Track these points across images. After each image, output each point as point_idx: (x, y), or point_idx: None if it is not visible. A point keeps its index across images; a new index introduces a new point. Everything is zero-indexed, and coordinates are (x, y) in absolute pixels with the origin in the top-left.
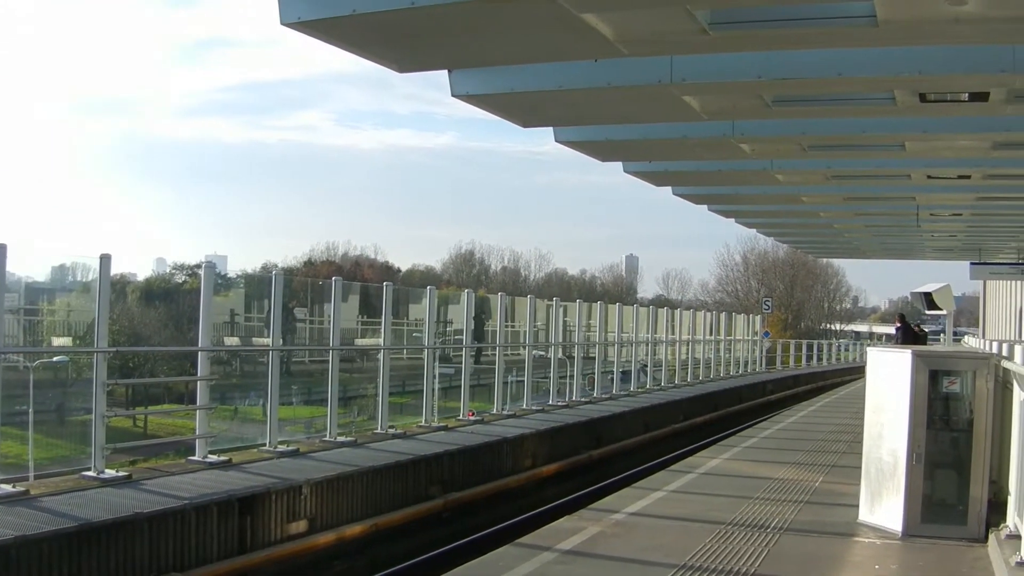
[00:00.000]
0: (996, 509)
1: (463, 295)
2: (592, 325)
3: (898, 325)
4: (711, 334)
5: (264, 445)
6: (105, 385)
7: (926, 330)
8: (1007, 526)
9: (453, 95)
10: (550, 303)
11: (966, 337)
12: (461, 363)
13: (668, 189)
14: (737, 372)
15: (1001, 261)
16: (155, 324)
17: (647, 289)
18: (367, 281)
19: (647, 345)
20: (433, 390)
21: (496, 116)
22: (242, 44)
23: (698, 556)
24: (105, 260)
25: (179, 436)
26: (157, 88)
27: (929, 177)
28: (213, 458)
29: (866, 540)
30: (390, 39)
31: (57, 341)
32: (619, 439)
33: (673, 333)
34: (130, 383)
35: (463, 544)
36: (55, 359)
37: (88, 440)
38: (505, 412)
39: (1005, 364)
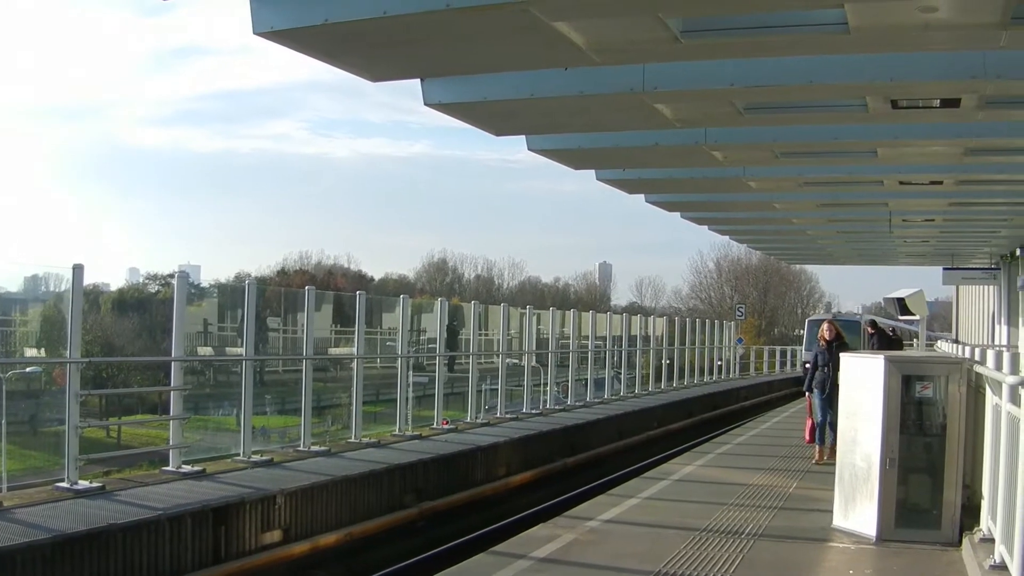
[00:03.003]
0: (970, 513)
1: (436, 304)
2: (566, 333)
3: (871, 332)
4: (685, 341)
5: (238, 455)
6: (78, 396)
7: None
8: (981, 530)
9: (425, 104)
10: (523, 311)
11: (939, 342)
12: (435, 372)
13: (641, 197)
14: (711, 379)
15: (973, 266)
16: (128, 334)
17: (620, 296)
18: (340, 290)
19: (621, 352)
20: (407, 399)
21: (469, 125)
22: (214, 53)
23: (673, 563)
24: (78, 270)
25: (153, 447)
26: (128, 96)
27: (901, 183)
28: (187, 468)
29: (840, 545)
30: (362, 48)
31: (29, 352)
32: (593, 447)
33: (647, 340)
34: (103, 393)
35: (438, 552)
36: (28, 370)
37: (61, 451)
38: (479, 420)
39: (978, 369)
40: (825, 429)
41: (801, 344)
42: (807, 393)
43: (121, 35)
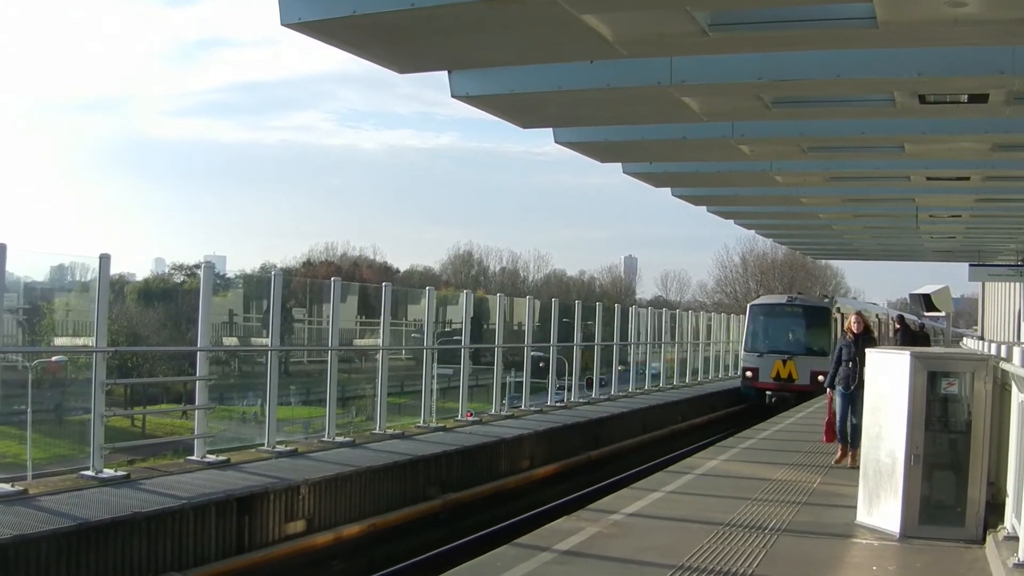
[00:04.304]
0: (994, 511)
1: (462, 296)
2: (591, 326)
3: (897, 327)
4: (710, 335)
5: (262, 445)
6: (104, 385)
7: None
8: (1005, 528)
9: (453, 96)
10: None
11: (964, 339)
12: (460, 364)
13: (667, 190)
14: (736, 374)
15: (1000, 263)
16: (154, 324)
17: (646, 290)
18: (366, 281)
19: (646, 346)
20: (432, 390)
21: (496, 117)
22: (241, 44)
23: (696, 557)
24: (104, 260)
25: (177, 436)
26: (155, 88)
27: (928, 179)
28: (211, 458)
29: (864, 541)
30: (390, 40)
31: (56, 341)
32: (617, 440)
33: (672, 334)
34: (129, 383)
35: (461, 544)
36: (54, 359)
37: (86, 439)
38: (503, 413)
39: (1003, 366)
40: (847, 428)
41: None
42: (828, 390)
43: (146, 27)
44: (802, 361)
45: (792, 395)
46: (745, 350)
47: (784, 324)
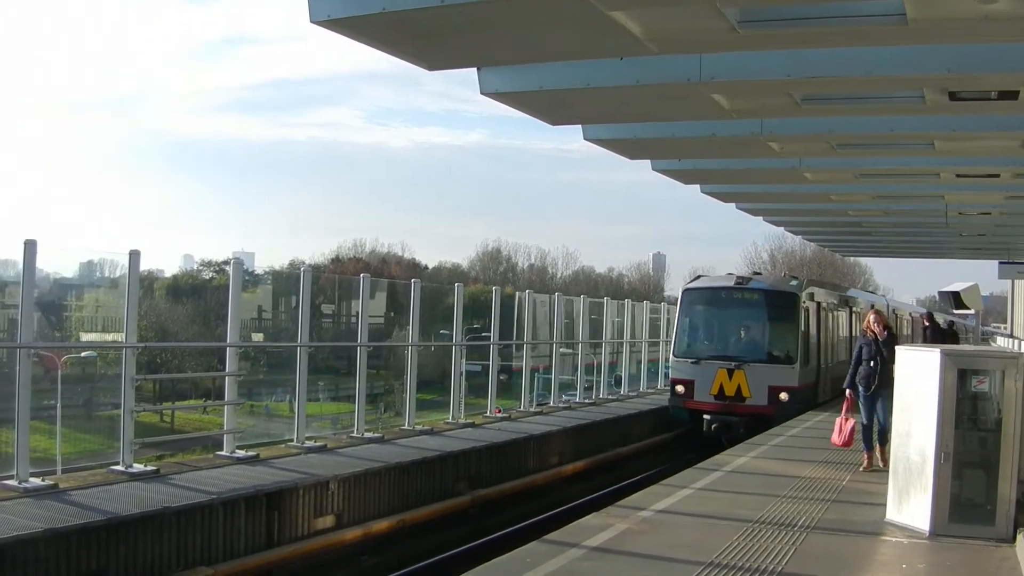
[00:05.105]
0: None
1: (492, 292)
2: (620, 323)
3: (926, 324)
4: None
5: (291, 441)
6: (134, 380)
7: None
8: None
9: (482, 92)
10: (577, 299)
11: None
12: (488, 360)
13: (696, 187)
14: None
15: None
16: (182, 320)
17: (674, 287)
18: (394, 278)
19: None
20: (460, 387)
21: (525, 114)
22: (269, 42)
23: (725, 554)
24: (134, 256)
25: (206, 431)
26: (182, 85)
27: (958, 175)
28: (241, 453)
29: (893, 539)
30: (419, 36)
31: (85, 337)
32: (646, 437)
33: None
34: (158, 378)
35: (491, 540)
36: (83, 355)
37: (116, 435)
38: (532, 409)
39: None
40: (872, 433)
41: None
42: (847, 391)
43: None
44: (757, 372)
45: (741, 420)
46: (675, 355)
47: (731, 317)
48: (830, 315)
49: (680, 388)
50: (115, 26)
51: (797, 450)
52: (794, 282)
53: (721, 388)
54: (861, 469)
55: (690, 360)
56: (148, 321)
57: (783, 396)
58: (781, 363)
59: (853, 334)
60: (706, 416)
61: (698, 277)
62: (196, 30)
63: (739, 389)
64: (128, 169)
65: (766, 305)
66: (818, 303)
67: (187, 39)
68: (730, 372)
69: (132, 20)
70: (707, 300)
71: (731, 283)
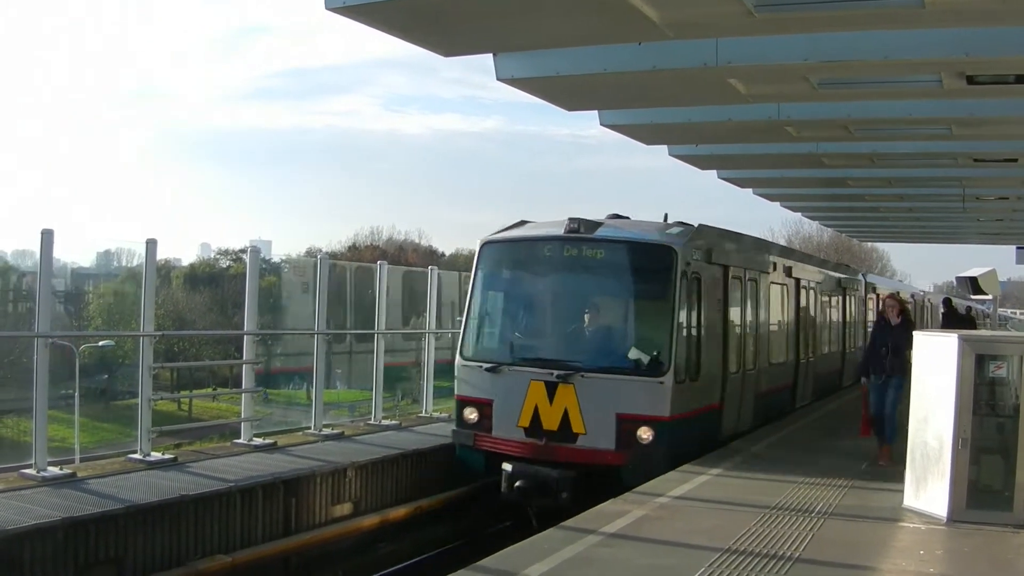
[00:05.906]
0: None
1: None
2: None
3: (943, 310)
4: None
5: (309, 428)
6: (151, 369)
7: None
8: None
9: (498, 79)
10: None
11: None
12: None
13: (713, 172)
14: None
15: None
16: (200, 309)
17: None
18: (411, 265)
19: None
20: None
21: (541, 100)
22: (283, 31)
23: (742, 539)
24: (151, 245)
25: (223, 419)
26: (197, 75)
27: (975, 160)
28: (258, 441)
29: (911, 525)
30: (435, 23)
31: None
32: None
33: None
34: (175, 366)
35: (508, 527)
36: (100, 343)
37: (133, 423)
38: None
39: None
40: (883, 423)
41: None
42: (862, 379)
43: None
44: (598, 388)
45: (563, 477)
46: (462, 355)
47: (558, 293)
48: (753, 288)
49: (470, 413)
50: (128, 19)
51: (816, 434)
52: (675, 229)
53: (535, 416)
54: (880, 464)
55: (484, 365)
56: (165, 310)
57: (643, 434)
58: (641, 374)
59: (805, 322)
60: (506, 466)
61: (520, 224)
62: (212, 22)
63: (565, 419)
64: (144, 159)
65: (620, 269)
66: (724, 267)
67: (203, 31)
68: (551, 388)
69: (144, 13)
70: (519, 262)
71: (560, 231)
